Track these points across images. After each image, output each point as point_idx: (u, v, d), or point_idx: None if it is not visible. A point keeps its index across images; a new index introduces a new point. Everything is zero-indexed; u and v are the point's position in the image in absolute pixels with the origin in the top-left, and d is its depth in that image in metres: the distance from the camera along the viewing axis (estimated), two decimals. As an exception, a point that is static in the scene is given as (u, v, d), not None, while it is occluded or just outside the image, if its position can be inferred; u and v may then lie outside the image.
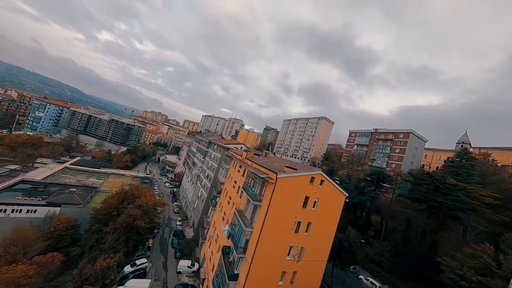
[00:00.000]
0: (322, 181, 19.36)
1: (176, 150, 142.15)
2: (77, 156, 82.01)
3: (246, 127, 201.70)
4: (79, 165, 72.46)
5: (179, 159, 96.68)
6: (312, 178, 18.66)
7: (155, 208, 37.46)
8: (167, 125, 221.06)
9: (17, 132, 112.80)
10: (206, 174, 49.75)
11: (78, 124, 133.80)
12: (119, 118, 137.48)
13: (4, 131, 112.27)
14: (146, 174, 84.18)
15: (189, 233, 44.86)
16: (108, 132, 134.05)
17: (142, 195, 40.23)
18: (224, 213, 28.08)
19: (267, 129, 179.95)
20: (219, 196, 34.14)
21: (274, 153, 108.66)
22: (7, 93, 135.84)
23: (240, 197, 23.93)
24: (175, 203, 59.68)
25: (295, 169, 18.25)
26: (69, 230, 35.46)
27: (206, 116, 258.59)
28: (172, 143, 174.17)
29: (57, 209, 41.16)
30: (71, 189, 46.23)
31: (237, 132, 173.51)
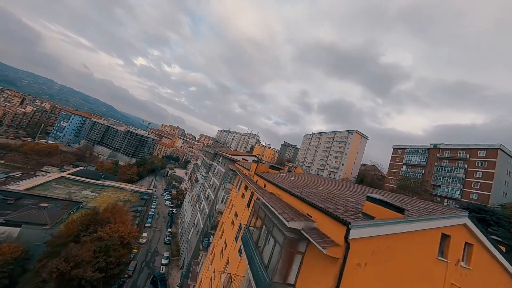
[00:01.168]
0: (468, 245, 6.86)
1: (186, 164, 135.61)
2: (80, 166, 78.20)
3: (262, 142, 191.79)
4: (78, 175, 67.27)
5: (186, 174, 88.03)
6: (445, 238, 6.27)
7: (126, 242, 26.36)
8: (183, 138, 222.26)
9: (39, 141, 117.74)
10: (206, 195, 38.46)
11: (96, 134, 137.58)
12: (134, 130, 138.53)
13: (29, 139, 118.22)
14: (148, 189, 75.97)
15: (176, 279, 32.23)
16: (122, 143, 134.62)
17: (115, 220, 29.84)
18: (214, 273, 15.62)
19: (285, 145, 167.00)
20: (213, 234, 21.94)
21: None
22: (42, 105, 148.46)
23: (239, 254, 11.70)
24: (169, 229, 48.26)
25: (401, 210, 5.87)
26: (8, 265, 25.79)
27: (221, 130, 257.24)
28: (184, 157, 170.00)
29: (16, 230, 32.73)
30: (41, 204, 38.17)
31: (252, 148, 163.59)
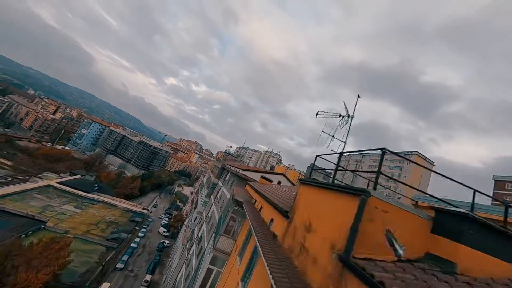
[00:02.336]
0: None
1: (196, 181, 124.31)
2: (77, 174, 71.35)
3: (285, 163, 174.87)
4: (67, 185, 59.15)
5: (191, 193, 75.45)
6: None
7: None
8: (199, 154, 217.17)
9: (57, 146, 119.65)
10: (200, 234, 24.17)
11: (111, 143, 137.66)
12: (148, 141, 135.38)
13: (49, 144, 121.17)
14: (144, 208, 64.30)
15: None
16: (134, 154, 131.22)
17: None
18: None
19: (314, 169, 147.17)
20: None
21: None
22: (70, 113, 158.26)
23: None
24: (148, 276, 33.42)
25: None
26: None
27: (239, 147, 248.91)
28: (197, 173, 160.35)
29: None
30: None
31: (272, 168, 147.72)
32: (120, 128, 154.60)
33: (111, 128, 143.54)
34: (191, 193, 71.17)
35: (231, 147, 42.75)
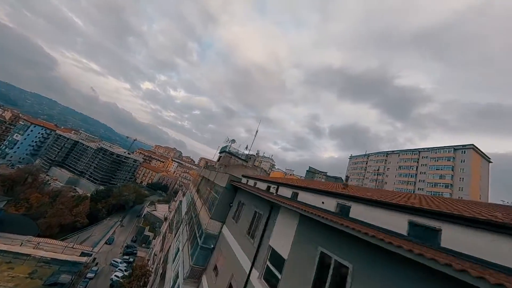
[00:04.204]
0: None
1: (175, 195, 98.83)
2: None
3: (280, 168, 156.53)
4: None
5: (165, 220, 50.90)
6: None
7: None
8: (177, 161, 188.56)
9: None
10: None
11: (58, 152, 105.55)
12: (110, 147, 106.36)
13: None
14: (84, 253, 39.27)
15: None
16: (90, 165, 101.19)
17: None
18: None
19: (311, 171, 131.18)
20: None
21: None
22: (2, 114, 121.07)
23: None
24: None
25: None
26: None
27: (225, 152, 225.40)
28: (176, 185, 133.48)
29: None
30: None
31: (267, 174, 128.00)
32: (72, 132, 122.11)
33: (58, 132, 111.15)
34: (165, 220, 47.75)
35: (234, 141, 21.87)
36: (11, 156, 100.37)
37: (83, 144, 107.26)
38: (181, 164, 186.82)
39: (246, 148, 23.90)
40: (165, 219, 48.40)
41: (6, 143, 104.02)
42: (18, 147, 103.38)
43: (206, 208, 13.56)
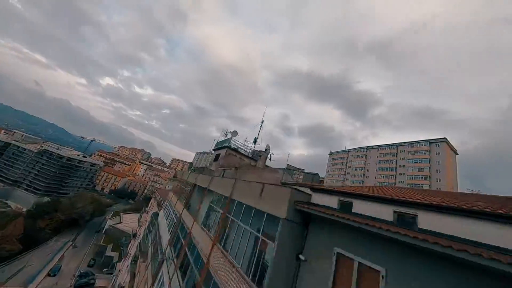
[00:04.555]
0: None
1: (146, 203, 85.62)
2: None
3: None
4: None
5: (134, 237, 40.41)
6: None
7: None
8: (146, 164, 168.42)
9: None
10: None
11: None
12: (57, 149, 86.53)
13: None
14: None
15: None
16: (30, 172, 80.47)
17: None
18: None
19: (290, 169, 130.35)
20: None
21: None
22: None
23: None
24: None
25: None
26: None
27: (201, 153, 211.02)
28: (145, 191, 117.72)
29: None
30: None
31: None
32: (2, 132, 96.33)
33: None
34: (133, 236, 38.10)
35: (236, 133, 15.18)
36: None
37: (18, 147, 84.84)
38: (151, 166, 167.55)
39: (255, 141, 17.65)
40: (134, 235, 38.56)
41: None
42: None
43: (228, 260, 6.78)
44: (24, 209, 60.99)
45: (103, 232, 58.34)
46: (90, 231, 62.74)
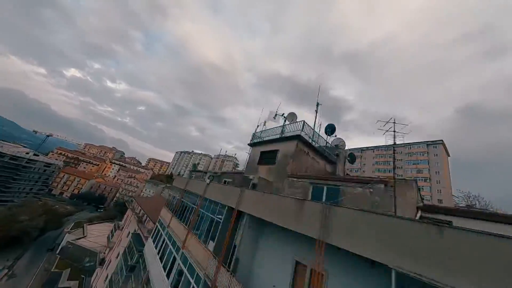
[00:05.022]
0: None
1: (120, 209, 71.76)
2: None
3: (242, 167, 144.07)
4: None
5: (104, 252, 29.67)
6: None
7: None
8: (118, 164, 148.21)
9: None
10: None
11: None
12: (0, 147, 67.72)
13: None
14: None
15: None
16: (-46, 173, 60.82)
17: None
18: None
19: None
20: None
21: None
22: None
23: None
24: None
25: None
26: None
27: (181, 152, 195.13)
28: (117, 195, 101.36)
29: None
30: None
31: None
32: None
33: None
34: (100, 262, 27.73)
35: (294, 115, 7.11)
36: None
37: None
38: (124, 166, 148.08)
39: (332, 131, 10.36)
40: (101, 262, 27.97)
41: None
42: None
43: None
44: None
45: (57, 252, 44.80)
46: (39, 251, 48.24)
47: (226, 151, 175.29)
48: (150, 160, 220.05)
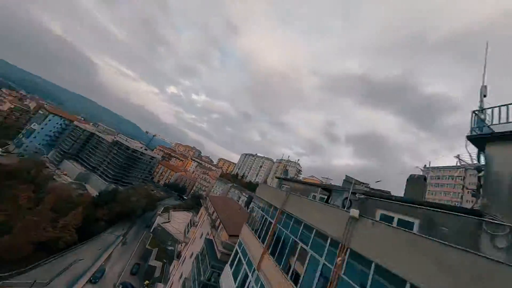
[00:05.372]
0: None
1: (196, 201, 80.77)
2: None
3: (308, 175, 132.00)
4: None
5: (181, 247, 31.22)
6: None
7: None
8: (197, 161, 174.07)
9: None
10: None
11: (73, 144, 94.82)
12: (126, 141, 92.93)
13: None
14: None
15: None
16: (104, 160, 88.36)
17: None
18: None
19: (349, 181, 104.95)
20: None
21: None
22: (24, 103, 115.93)
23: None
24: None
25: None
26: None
27: (246, 155, 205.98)
28: (194, 188, 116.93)
29: None
30: None
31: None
32: (90, 124, 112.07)
33: (75, 123, 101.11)
34: (177, 256, 28.38)
35: None
36: (27, 146, 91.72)
37: (99, 137, 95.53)
38: (200, 164, 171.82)
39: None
40: (178, 255, 28.85)
41: (24, 132, 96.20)
42: (35, 137, 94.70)
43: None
44: (96, 194, 63.92)
45: (151, 231, 53.79)
46: (140, 226, 59.97)
47: (288, 156, 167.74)
48: (220, 159, 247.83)
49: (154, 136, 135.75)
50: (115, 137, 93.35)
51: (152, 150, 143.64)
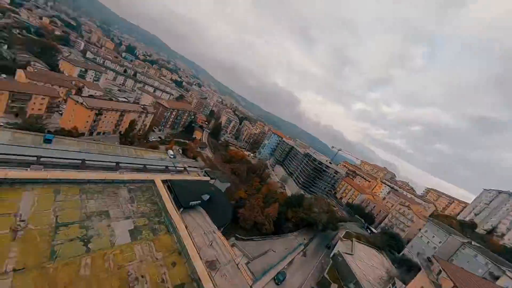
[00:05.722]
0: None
1: (388, 241, 56.90)
2: (209, 176, 55.70)
3: None
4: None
5: None
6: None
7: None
8: (389, 185, 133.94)
9: (250, 153, 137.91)
10: None
11: (281, 154, 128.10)
12: (314, 153, 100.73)
13: (247, 152, 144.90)
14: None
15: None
16: (297, 168, 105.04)
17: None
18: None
19: None
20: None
21: None
22: (264, 128, 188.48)
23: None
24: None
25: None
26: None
27: (499, 192, 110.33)
28: (387, 221, 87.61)
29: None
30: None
31: None
32: (291, 140, 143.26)
33: (283, 139, 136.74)
34: None
35: None
36: (261, 153, 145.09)
37: (296, 149, 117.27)
38: (396, 190, 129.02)
39: None
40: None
41: (262, 145, 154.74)
42: (265, 148, 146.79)
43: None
44: (290, 194, 76.35)
45: (331, 255, 46.15)
46: (320, 243, 55.60)
47: None
48: (429, 190, 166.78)
49: (339, 150, 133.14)
50: (306, 150, 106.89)
51: (337, 165, 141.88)
